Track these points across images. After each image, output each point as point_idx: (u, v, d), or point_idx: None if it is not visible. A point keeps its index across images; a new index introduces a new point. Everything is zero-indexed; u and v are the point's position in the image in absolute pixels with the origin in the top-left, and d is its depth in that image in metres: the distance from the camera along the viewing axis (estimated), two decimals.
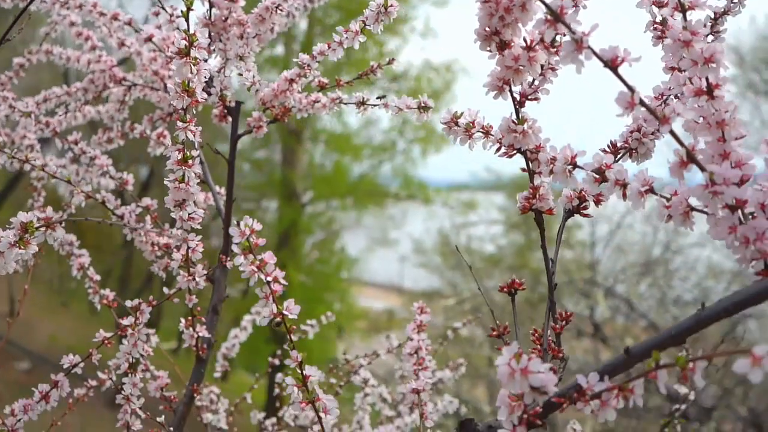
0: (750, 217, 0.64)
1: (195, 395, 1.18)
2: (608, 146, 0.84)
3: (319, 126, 11.12)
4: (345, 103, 1.15)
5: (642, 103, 0.61)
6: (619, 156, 0.83)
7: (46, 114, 1.45)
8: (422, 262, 10.85)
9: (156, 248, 1.23)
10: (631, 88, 0.61)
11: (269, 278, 0.75)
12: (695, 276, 7.42)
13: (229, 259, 1.20)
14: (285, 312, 0.77)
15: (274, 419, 1.55)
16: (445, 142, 10.70)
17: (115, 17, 1.25)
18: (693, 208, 0.66)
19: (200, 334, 1.14)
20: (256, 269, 0.75)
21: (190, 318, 1.13)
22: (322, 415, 0.78)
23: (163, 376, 1.18)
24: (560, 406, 0.64)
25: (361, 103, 1.12)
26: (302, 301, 1.77)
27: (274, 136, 10.93)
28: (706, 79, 0.65)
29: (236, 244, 0.75)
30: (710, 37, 0.85)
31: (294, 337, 0.98)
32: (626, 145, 0.83)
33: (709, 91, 0.66)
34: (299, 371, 0.78)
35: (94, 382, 1.27)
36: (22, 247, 0.82)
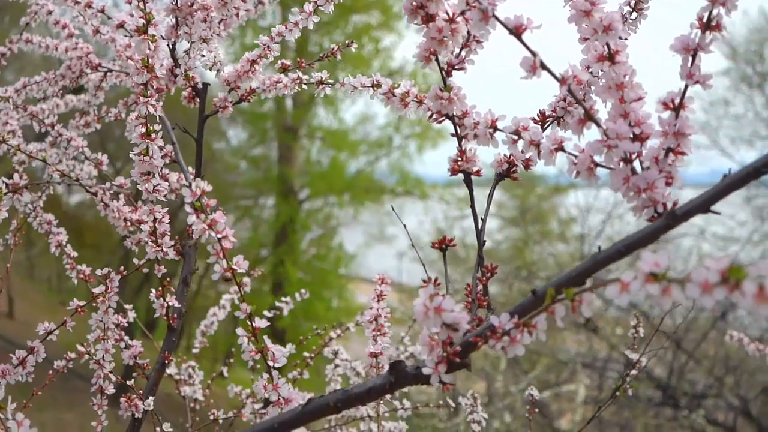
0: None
1: (166, 362, 1.24)
2: (537, 114, 0.90)
3: (316, 123, 11.18)
4: (305, 83, 1.21)
5: (543, 66, 0.67)
6: (547, 123, 0.90)
7: (27, 102, 1.51)
8: (419, 257, 10.90)
9: (128, 224, 1.29)
10: (533, 53, 0.67)
11: (220, 235, 0.82)
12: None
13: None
14: (234, 267, 0.83)
15: (249, 390, 1.62)
16: (441, 138, 10.76)
17: (88, 5, 1.30)
18: (597, 164, 0.72)
19: (170, 304, 1.20)
20: (207, 227, 0.81)
21: (160, 288, 1.19)
22: (270, 363, 0.84)
23: (137, 345, 1.25)
24: (476, 345, 0.70)
25: (320, 83, 1.18)
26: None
27: (270, 134, 11.00)
28: (607, 45, 0.72)
29: (188, 203, 0.81)
30: (634, 14, 0.91)
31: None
32: (554, 114, 0.89)
33: (610, 57, 0.72)
34: (249, 323, 0.84)
35: (72, 354, 1.33)
36: None
